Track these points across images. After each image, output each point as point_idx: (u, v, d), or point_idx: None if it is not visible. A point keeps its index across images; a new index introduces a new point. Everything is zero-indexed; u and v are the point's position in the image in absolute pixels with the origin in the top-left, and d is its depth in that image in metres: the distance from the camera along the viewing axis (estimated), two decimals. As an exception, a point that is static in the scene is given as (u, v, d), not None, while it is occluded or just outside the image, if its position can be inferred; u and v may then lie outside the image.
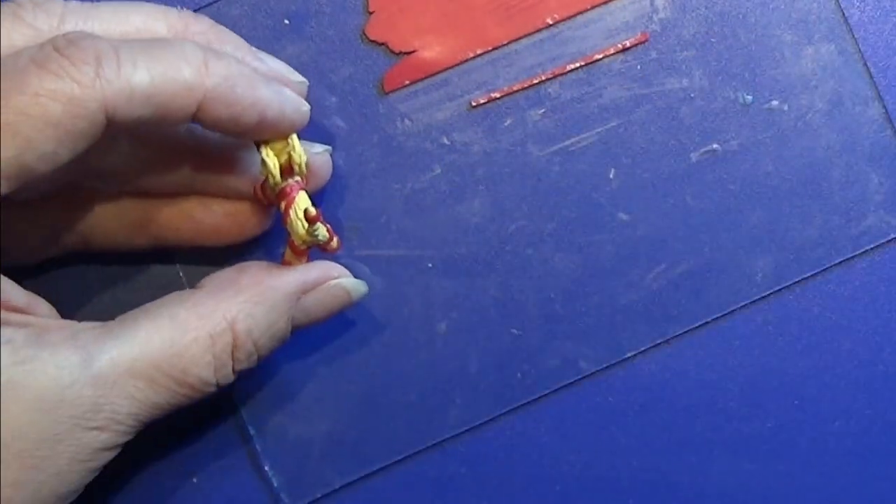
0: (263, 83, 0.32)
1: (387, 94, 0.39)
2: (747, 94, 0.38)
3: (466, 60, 0.39)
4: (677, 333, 0.38)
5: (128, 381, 0.30)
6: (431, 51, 0.39)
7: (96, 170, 0.34)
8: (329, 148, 0.37)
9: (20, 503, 0.29)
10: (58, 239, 0.35)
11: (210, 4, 0.39)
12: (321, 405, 0.38)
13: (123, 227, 0.36)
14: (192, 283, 0.38)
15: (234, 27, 0.36)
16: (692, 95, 0.38)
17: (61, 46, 0.29)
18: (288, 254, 0.35)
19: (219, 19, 0.37)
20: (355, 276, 0.36)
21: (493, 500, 0.37)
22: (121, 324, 0.31)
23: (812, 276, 0.38)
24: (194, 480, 0.37)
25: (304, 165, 0.34)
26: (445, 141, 0.39)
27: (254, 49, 0.35)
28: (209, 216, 0.36)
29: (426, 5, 0.39)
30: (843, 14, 0.38)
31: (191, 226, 0.36)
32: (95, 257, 0.37)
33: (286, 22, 0.39)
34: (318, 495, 0.37)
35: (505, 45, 0.39)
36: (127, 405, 0.30)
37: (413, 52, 0.39)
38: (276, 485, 0.37)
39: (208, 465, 0.37)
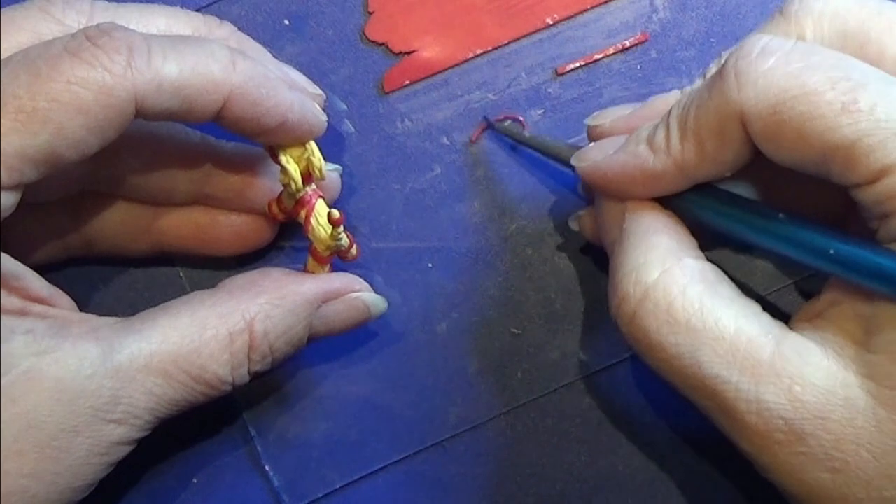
0: (286, 87, 0.32)
1: (387, 94, 0.39)
2: (747, 94, 0.38)
3: (466, 60, 0.39)
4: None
5: (146, 375, 0.30)
6: (431, 51, 0.39)
7: (112, 175, 0.34)
8: (339, 168, 0.37)
9: (37, 494, 0.29)
10: (62, 242, 0.36)
11: (210, 5, 0.39)
12: (321, 405, 0.38)
13: (128, 232, 0.36)
14: (192, 284, 0.38)
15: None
16: (692, 95, 0.38)
17: (94, 36, 0.29)
18: (310, 263, 0.35)
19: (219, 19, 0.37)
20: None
21: (492, 500, 0.37)
22: (141, 319, 0.31)
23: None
24: (195, 480, 0.37)
25: (323, 170, 0.34)
26: (445, 141, 0.39)
27: (274, 59, 0.35)
28: (213, 227, 0.36)
29: (426, 5, 0.39)
30: (843, 14, 0.38)
31: (194, 235, 0.36)
32: (97, 258, 0.37)
33: (286, 22, 0.39)
34: (319, 495, 0.37)
35: (505, 45, 0.39)
36: (145, 399, 0.30)
37: (413, 52, 0.39)
38: (276, 484, 0.37)
39: (209, 465, 0.37)
